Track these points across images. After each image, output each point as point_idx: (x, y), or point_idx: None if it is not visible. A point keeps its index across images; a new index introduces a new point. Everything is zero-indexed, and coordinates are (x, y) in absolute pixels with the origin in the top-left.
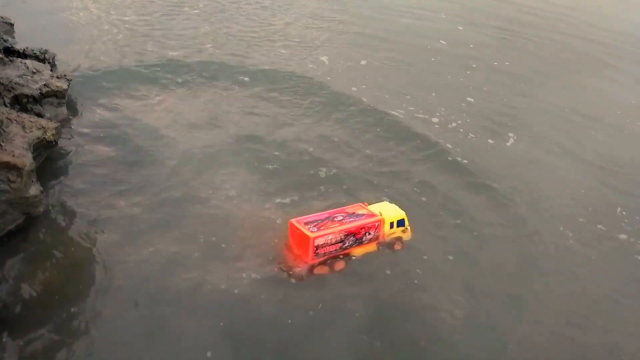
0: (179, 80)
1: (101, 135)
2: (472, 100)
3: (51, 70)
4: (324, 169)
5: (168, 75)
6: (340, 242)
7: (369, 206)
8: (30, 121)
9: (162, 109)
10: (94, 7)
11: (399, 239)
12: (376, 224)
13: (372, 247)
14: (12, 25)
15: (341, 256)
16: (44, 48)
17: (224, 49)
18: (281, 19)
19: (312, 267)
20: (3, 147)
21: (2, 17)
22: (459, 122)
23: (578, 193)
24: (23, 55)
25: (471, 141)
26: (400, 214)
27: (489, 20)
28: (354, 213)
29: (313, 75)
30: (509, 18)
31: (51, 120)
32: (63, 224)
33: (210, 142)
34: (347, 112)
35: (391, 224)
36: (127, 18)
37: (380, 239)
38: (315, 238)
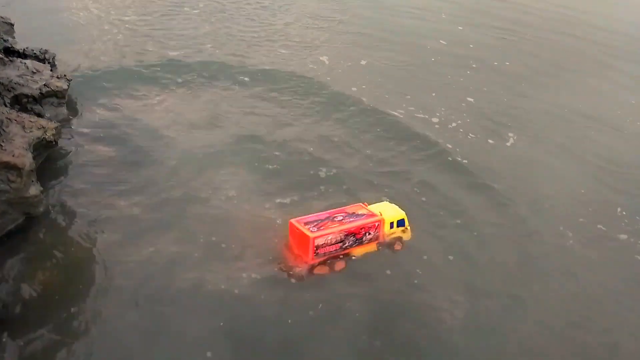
0: (179, 80)
1: (101, 135)
2: (472, 100)
3: (51, 70)
4: (324, 169)
5: (168, 75)
6: (340, 242)
7: (369, 206)
8: (30, 121)
9: (162, 109)
10: (93, 7)
11: (399, 238)
12: (376, 224)
13: (372, 247)
14: (12, 25)
15: (341, 256)
16: (44, 48)
17: (224, 49)
18: (281, 19)
19: (312, 267)
20: (3, 147)
21: (2, 17)
22: (459, 122)
23: (578, 193)
24: (23, 55)
25: (471, 141)
26: (400, 214)
27: (489, 20)
28: (354, 213)
29: (313, 75)
30: (509, 18)
31: (51, 120)
32: (63, 224)
33: (211, 142)
34: (347, 112)
35: (391, 224)
36: (127, 18)
37: (380, 239)
38: (315, 238)
